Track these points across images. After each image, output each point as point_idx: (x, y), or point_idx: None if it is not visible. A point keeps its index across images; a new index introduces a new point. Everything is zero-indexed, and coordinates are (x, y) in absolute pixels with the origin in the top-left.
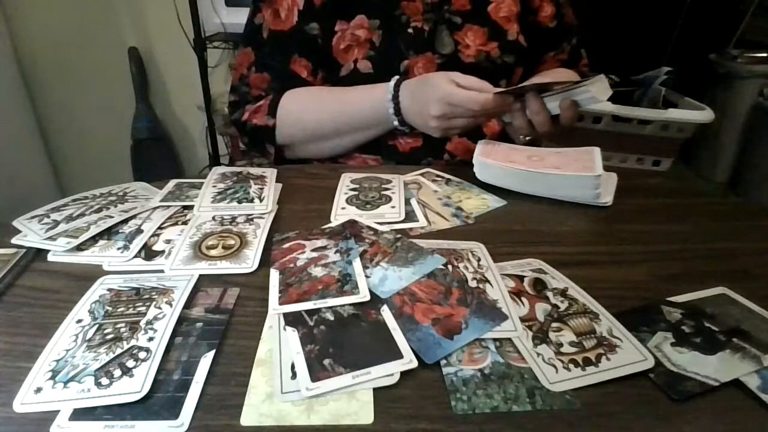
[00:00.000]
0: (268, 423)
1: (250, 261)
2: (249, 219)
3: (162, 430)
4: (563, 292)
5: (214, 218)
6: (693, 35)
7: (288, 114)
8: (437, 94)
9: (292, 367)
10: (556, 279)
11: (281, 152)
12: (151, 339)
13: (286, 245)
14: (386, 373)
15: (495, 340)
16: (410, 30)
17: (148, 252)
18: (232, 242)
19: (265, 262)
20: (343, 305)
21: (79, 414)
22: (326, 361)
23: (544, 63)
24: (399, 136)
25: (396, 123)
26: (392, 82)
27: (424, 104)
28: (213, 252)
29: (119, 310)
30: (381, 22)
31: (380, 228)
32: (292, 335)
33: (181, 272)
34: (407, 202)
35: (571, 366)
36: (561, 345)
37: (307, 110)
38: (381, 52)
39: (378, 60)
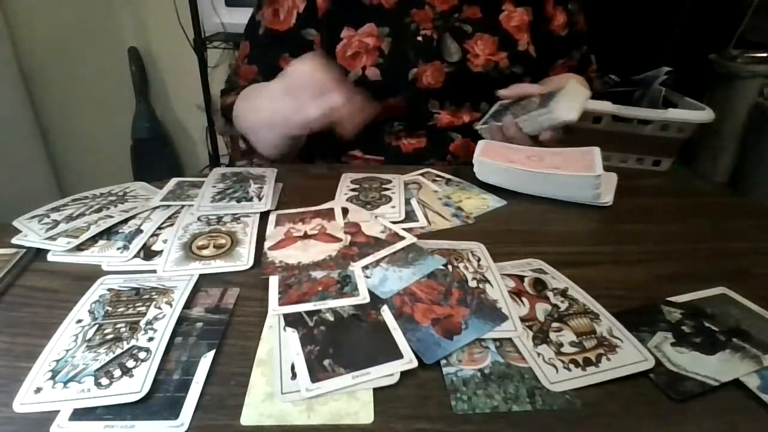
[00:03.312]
0: (268, 423)
1: (244, 258)
2: (236, 218)
3: (162, 430)
4: (563, 292)
5: (199, 219)
6: (693, 35)
7: (238, 102)
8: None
9: (292, 367)
10: (556, 279)
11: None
12: (151, 339)
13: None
14: (386, 373)
15: (495, 340)
16: (419, 38)
17: (147, 252)
18: (222, 241)
19: (260, 260)
20: (343, 306)
21: (79, 414)
22: (326, 362)
23: (553, 69)
24: (403, 136)
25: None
26: None
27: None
28: (205, 252)
29: (119, 310)
30: (390, 29)
31: None
32: (292, 336)
33: (179, 272)
34: (407, 202)
35: (571, 366)
36: (561, 345)
37: (244, 103)
38: (389, 60)
39: (386, 68)
